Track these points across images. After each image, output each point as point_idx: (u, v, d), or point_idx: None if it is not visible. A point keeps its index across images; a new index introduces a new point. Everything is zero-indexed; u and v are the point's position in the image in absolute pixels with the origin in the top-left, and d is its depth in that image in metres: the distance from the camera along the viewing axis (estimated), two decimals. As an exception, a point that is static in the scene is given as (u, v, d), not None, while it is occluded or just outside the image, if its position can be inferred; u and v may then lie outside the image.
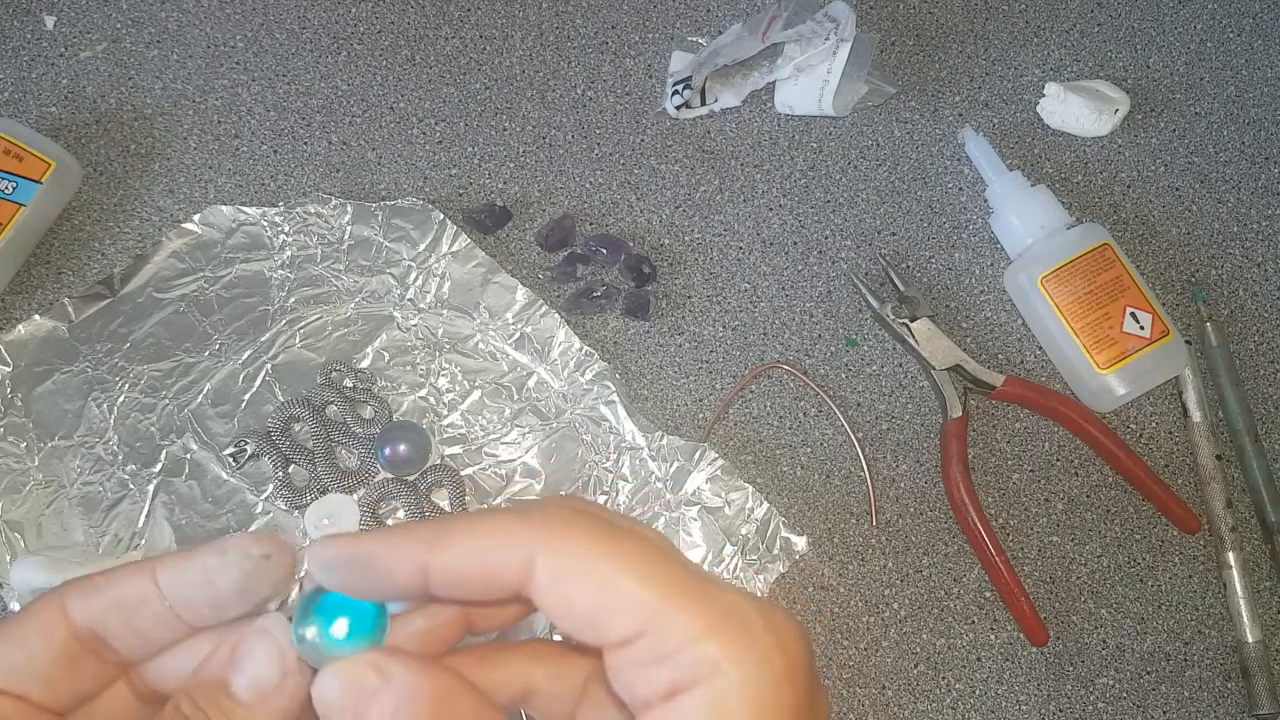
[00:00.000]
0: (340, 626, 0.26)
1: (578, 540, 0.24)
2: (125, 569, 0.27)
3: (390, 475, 0.53)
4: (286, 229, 0.56)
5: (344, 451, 0.53)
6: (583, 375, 0.54)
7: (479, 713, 0.25)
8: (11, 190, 0.53)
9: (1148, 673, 0.54)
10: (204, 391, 0.53)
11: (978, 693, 0.53)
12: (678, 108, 0.60)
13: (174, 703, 0.25)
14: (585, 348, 0.55)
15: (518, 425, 0.54)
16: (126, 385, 0.53)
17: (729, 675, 0.23)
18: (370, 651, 0.26)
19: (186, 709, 0.25)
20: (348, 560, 0.25)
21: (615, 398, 0.54)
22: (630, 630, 0.24)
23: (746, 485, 0.53)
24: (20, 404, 0.53)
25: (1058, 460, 0.57)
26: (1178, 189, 0.62)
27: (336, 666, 0.25)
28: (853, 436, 0.56)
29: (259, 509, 0.52)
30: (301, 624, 0.26)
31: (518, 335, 0.55)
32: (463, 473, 0.53)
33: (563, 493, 0.52)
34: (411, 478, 0.53)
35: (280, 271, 0.55)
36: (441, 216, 0.56)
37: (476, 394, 0.54)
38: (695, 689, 0.23)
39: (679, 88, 0.60)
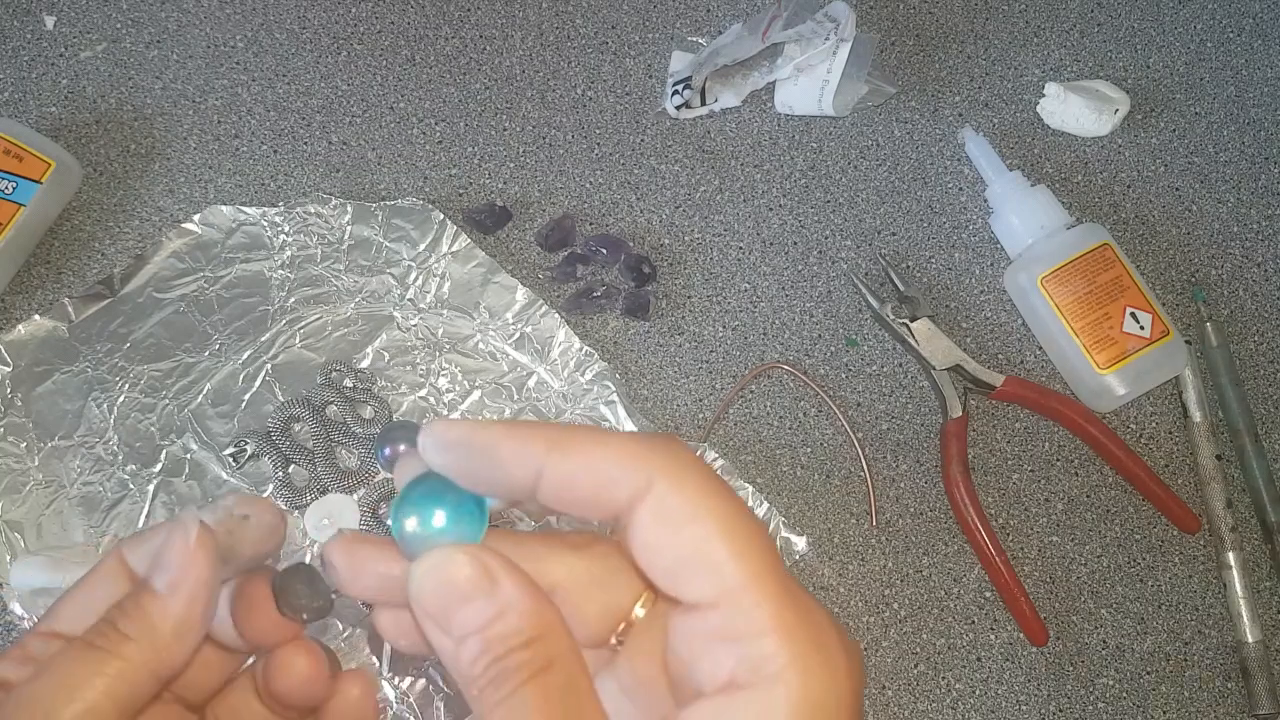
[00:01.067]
0: (440, 517, 0.25)
1: (692, 484, 0.23)
2: (169, 523, 0.27)
3: (390, 475, 0.53)
4: (286, 229, 0.56)
5: (344, 451, 0.53)
6: (583, 375, 0.54)
7: (576, 654, 0.24)
8: (11, 190, 0.53)
9: (1148, 673, 0.54)
10: (204, 391, 0.53)
11: (978, 693, 0.53)
12: (678, 108, 0.60)
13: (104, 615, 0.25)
14: (585, 348, 0.55)
15: (518, 425, 0.54)
16: (126, 385, 0.53)
17: (791, 684, 0.22)
18: (480, 548, 0.24)
19: (107, 614, 0.25)
20: (468, 443, 0.24)
21: (615, 398, 0.54)
22: (709, 594, 0.23)
23: (746, 485, 0.53)
24: (20, 404, 0.53)
25: (1058, 460, 0.57)
26: (1178, 189, 0.62)
27: (440, 554, 0.24)
28: (853, 436, 0.56)
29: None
30: (401, 512, 0.25)
31: (518, 335, 0.55)
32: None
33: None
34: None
35: (280, 271, 0.55)
36: (441, 216, 0.56)
37: (476, 394, 0.54)
38: (754, 689, 0.22)
39: (679, 88, 0.60)
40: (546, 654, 0.23)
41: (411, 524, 0.25)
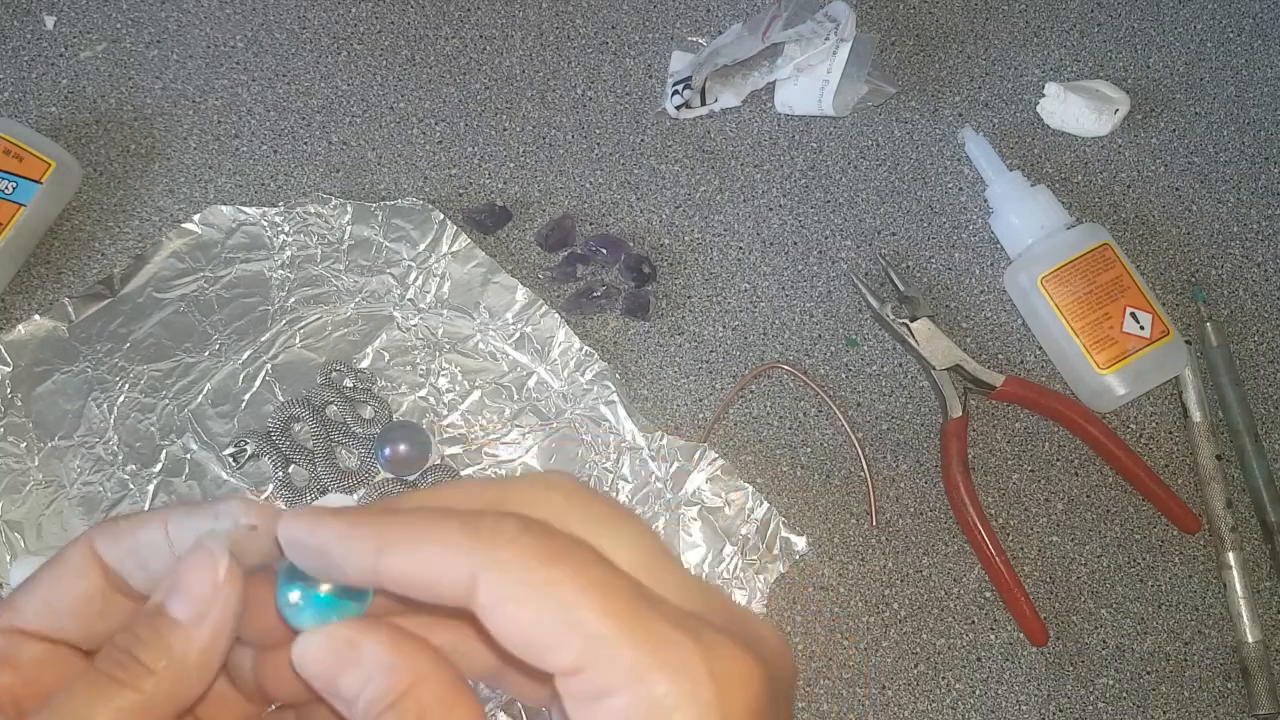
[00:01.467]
0: (323, 588, 0.25)
1: (521, 559, 0.23)
2: (146, 515, 0.27)
3: (390, 475, 0.53)
4: (286, 229, 0.56)
5: (344, 451, 0.53)
6: (583, 375, 0.54)
7: (453, 696, 0.24)
8: (11, 190, 0.53)
9: (1148, 673, 0.54)
10: (204, 391, 0.53)
11: (978, 693, 0.53)
12: (678, 108, 0.60)
13: (113, 638, 0.25)
14: (585, 348, 0.55)
15: (518, 425, 0.54)
16: (126, 385, 0.53)
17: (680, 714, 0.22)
18: (346, 622, 0.25)
19: (121, 640, 0.25)
20: (305, 545, 0.25)
21: (615, 398, 0.54)
22: (569, 662, 0.23)
23: (746, 485, 0.53)
24: (20, 404, 0.53)
25: (1058, 460, 0.57)
26: (1178, 189, 0.62)
27: (311, 634, 0.25)
28: (853, 436, 0.56)
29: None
30: (286, 585, 0.25)
31: (518, 335, 0.55)
32: (463, 473, 0.53)
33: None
34: (411, 478, 0.53)
35: (280, 271, 0.55)
36: (441, 216, 0.56)
37: (476, 394, 0.54)
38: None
39: (679, 88, 0.60)
40: (417, 707, 0.24)
41: (294, 597, 0.26)
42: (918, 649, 0.53)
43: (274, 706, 0.30)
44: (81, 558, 0.27)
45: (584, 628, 0.23)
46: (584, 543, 0.25)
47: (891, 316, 0.56)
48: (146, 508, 0.51)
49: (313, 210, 0.56)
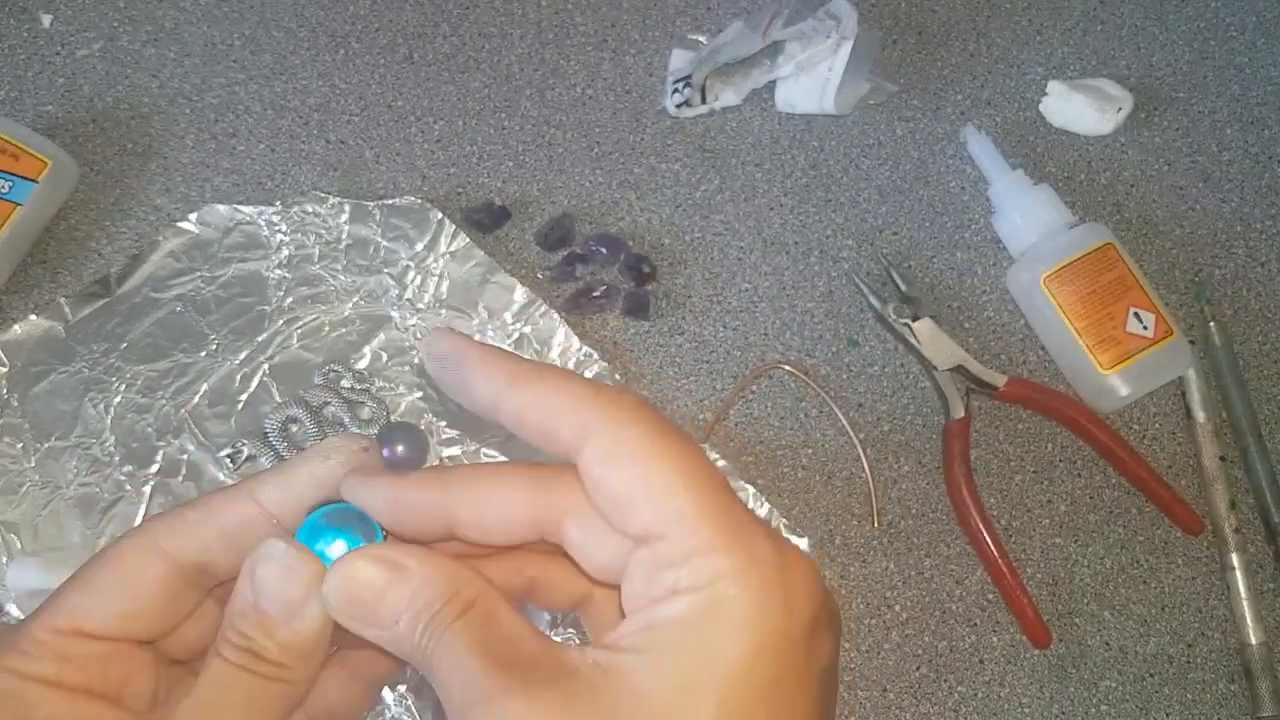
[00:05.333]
0: (338, 548, 0.28)
1: (635, 426, 0.25)
2: (217, 498, 0.28)
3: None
4: (284, 228, 0.56)
5: (342, 452, 0.53)
6: (582, 375, 0.54)
7: (485, 592, 0.26)
8: (8, 189, 0.53)
9: (1151, 675, 0.54)
10: (201, 392, 0.53)
11: (980, 695, 0.53)
12: (678, 106, 0.60)
13: (222, 633, 0.27)
14: (585, 348, 0.54)
15: (517, 426, 0.53)
16: (123, 385, 0.53)
17: (728, 591, 0.23)
18: (379, 545, 0.27)
19: (234, 638, 0.26)
20: (450, 358, 0.27)
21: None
22: (652, 527, 0.24)
23: (747, 486, 0.53)
24: (16, 404, 0.52)
25: (1060, 461, 0.56)
26: (1181, 188, 0.61)
27: (345, 564, 0.26)
28: (854, 437, 0.55)
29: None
30: (310, 543, 0.28)
31: (517, 335, 0.55)
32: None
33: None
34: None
35: (277, 271, 0.55)
36: (440, 215, 0.56)
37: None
38: (690, 594, 0.23)
39: (679, 86, 0.60)
40: (465, 599, 0.25)
41: (332, 549, 0.28)
42: (920, 651, 0.53)
43: None
44: (144, 555, 0.28)
45: (675, 499, 0.24)
46: (688, 434, 0.27)
47: (893, 316, 0.56)
48: (143, 509, 0.51)
49: (310, 209, 0.56)
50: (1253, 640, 0.53)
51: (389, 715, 0.49)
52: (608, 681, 0.23)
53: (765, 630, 0.23)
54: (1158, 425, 0.57)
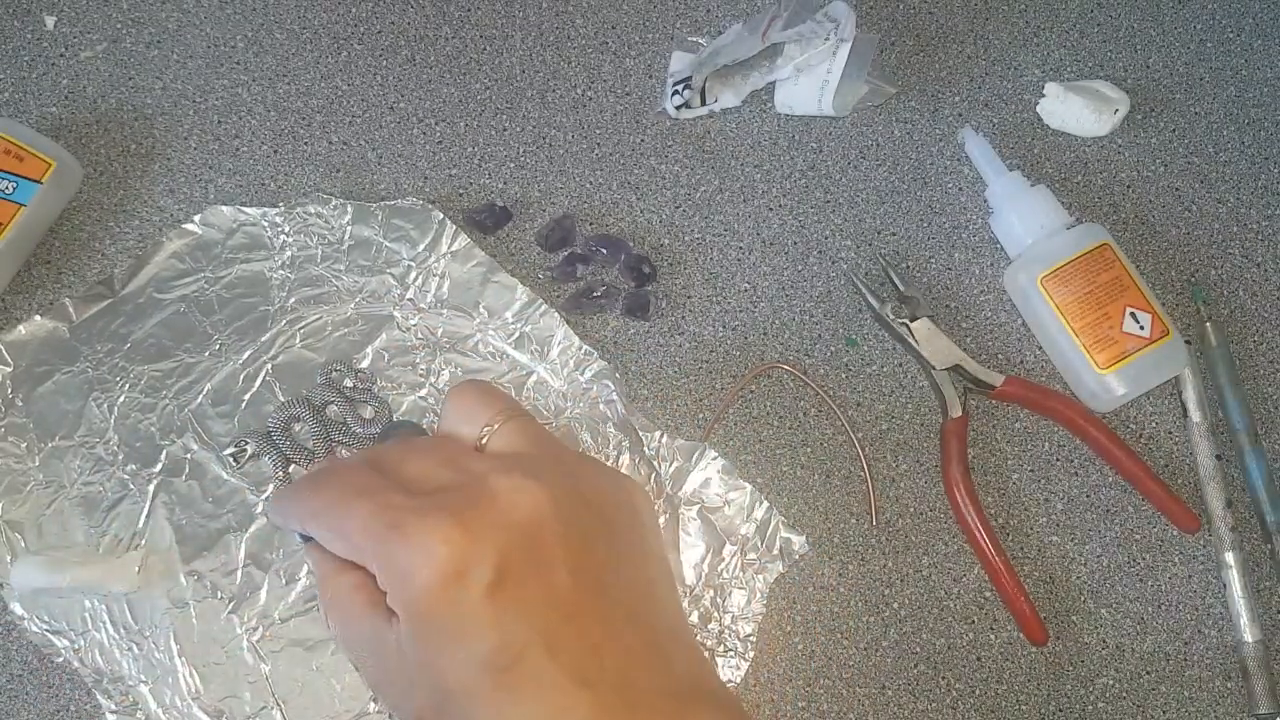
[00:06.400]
0: None
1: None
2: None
3: (390, 475, 0.53)
4: (287, 229, 0.56)
5: (344, 451, 0.53)
6: (582, 374, 0.54)
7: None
8: (12, 190, 0.53)
9: (1147, 672, 0.54)
10: (204, 391, 0.53)
11: (977, 692, 0.53)
12: (678, 108, 0.60)
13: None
14: (585, 347, 0.55)
15: (518, 425, 0.54)
16: (127, 385, 0.53)
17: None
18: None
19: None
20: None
21: (615, 397, 0.54)
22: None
23: (746, 485, 0.53)
24: (21, 404, 0.53)
25: (1057, 460, 0.57)
26: (1178, 189, 0.62)
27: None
28: (853, 436, 0.56)
29: (259, 509, 0.52)
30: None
31: (517, 335, 0.55)
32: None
33: None
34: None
35: (280, 272, 0.55)
36: (441, 216, 0.56)
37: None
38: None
39: (679, 88, 0.60)
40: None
41: None
42: (917, 649, 0.53)
43: None
44: None
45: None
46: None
47: (891, 316, 0.56)
48: (146, 508, 0.51)
49: (313, 210, 0.56)
50: (1249, 638, 0.54)
51: (388, 716, 0.49)
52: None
53: (402, 606, 0.34)
54: (1154, 424, 0.58)
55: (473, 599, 0.33)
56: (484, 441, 0.40)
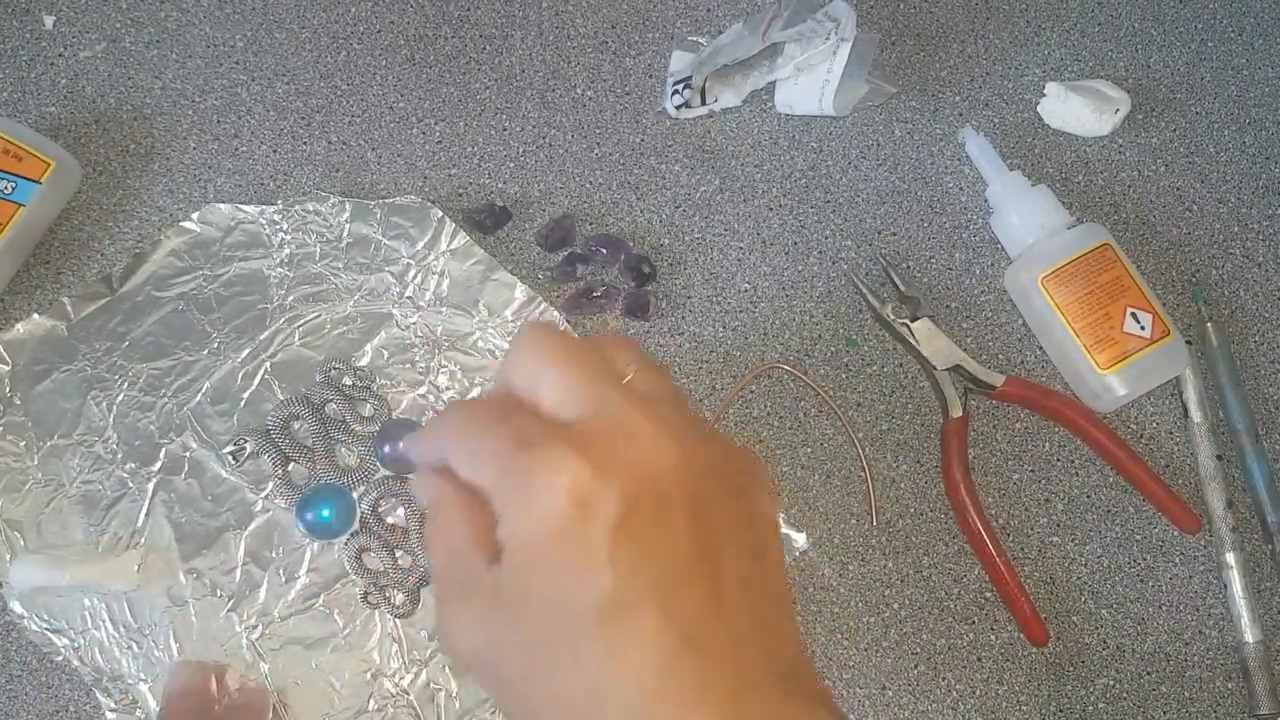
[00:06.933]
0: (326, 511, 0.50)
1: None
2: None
3: (390, 473, 0.53)
4: (285, 227, 0.56)
5: (343, 449, 0.53)
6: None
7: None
8: (11, 190, 0.53)
9: (1148, 673, 0.54)
10: (203, 390, 0.53)
11: (978, 693, 0.53)
12: (678, 107, 0.60)
13: None
14: (585, 347, 0.55)
15: (517, 424, 0.54)
16: (125, 384, 0.53)
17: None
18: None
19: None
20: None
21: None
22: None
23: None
24: (19, 403, 0.53)
25: (1058, 460, 0.56)
26: (1178, 189, 0.62)
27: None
28: (853, 436, 0.56)
29: (258, 507, 0.52)
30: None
31: (517, 332, 0.55)
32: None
33: None
34: (411, 475, 0.53)
35: (279, 270, 0.55)
36: (440, 214, 0.56)
37: (476, 391, 0.54)
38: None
39: (679, 87, 0.60)
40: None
41: (311, 515, 0.50)
42: (918, 649, 0.53)
43: None
44: None
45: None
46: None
47: (892, 316, 0.56)
48: (145, 506, 0.51)
49: (311, 208, 0.56)
50: (1249, 638, 0.54)
51: (390, 712, 0.49)
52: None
53: (512, 534, 0.32)
54: (1155, 425, 0.58)
55: (594, 534, 0.31)
56: (628, 378, 0.37)
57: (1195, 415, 0.57)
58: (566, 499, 0.31)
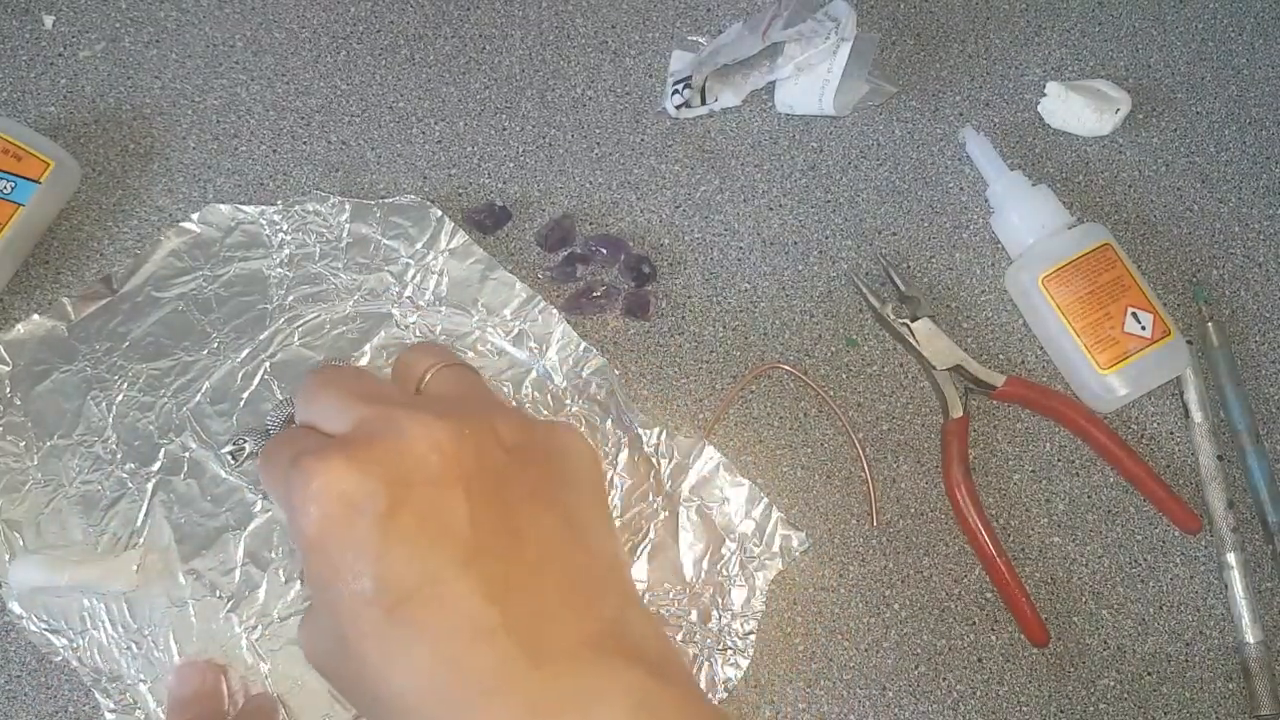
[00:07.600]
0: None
1: None
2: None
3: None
4: (285, 227, 0.56)
5: (343, 451, 0.53)
6: (581, 371, 0.54)
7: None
8: (10, 190, 0.53)
9: (1149, 674, 0.54)
10: (203, 390, 0.53)
11: (978, 694, 0.53)
12: (678, 107, 0.60)
13: None
14: (584, 344, 0.55)
15: (517, 424, 0.54)
16: (125, 384, 0.53)
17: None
18: None
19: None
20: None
21: (614, 394, 0.54)
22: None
23: (745, 481, 0.53)
24: (19, 403, 0.53)
25: (1059, 460, 0.56)
26: (1179, 189, 0.62)
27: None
28: (853, 437, 0.56)
29: (258, 507, 0.52)
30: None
31: (516, 332, 0.55)
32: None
33: None
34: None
35: (279, 270, 0.55)
36: (440, 213, 0.56)
37: (476, 393, 0.54)
38: None
39: (679, 87, 0.60)
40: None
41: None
42: (918, 650, 0.53)
43: None
44: None
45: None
46: None
47: (892, 316, 0.56)
48: (145, 506, 0.51)
49: (311, 208, 0.56)
50: (1250, 639, 0.54)
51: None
52: None
53: (299, 547, 0.34)
54: (1155, 425, 0.57)
55: (364, 528, 0.32)
56: (422, 386, 0.40)
57: (1196, 415, 0.57)
58: (332, 499, 0.32)
